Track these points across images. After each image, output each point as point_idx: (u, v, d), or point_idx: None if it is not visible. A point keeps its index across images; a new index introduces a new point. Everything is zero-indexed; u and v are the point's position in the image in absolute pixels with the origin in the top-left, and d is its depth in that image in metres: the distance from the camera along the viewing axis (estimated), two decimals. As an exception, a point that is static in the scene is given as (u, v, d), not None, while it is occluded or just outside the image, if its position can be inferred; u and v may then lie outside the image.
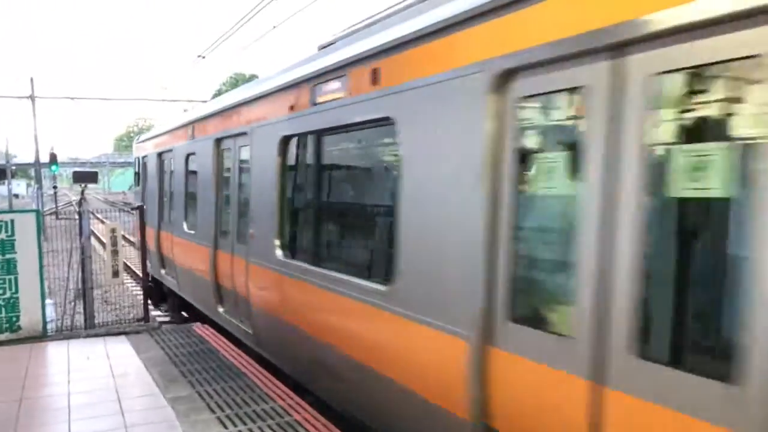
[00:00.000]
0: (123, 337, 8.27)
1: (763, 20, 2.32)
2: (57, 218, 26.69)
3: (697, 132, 2.71)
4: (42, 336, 8.00)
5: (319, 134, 6.14)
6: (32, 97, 34.88)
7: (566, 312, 3.18)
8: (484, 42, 3.65)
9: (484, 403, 3.65)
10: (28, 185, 73.81)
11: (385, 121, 4.68)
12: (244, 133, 7.46)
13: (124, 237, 9.54)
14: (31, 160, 37.76)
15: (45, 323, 8.09)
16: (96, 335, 8.33)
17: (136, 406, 5.75)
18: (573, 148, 3.21)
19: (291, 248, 6.59)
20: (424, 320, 4.12)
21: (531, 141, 3.55)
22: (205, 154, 8.90)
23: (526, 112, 3.51)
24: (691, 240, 2.88)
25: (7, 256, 7.76)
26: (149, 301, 9.99)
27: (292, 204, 6.70)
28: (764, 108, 2.38)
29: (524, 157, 3.50)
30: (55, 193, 42.95)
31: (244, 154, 7.61)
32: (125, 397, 5.99)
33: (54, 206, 38.87)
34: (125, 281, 11.33)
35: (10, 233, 7.78)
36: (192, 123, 10.02)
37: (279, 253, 6.52)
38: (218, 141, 8.21)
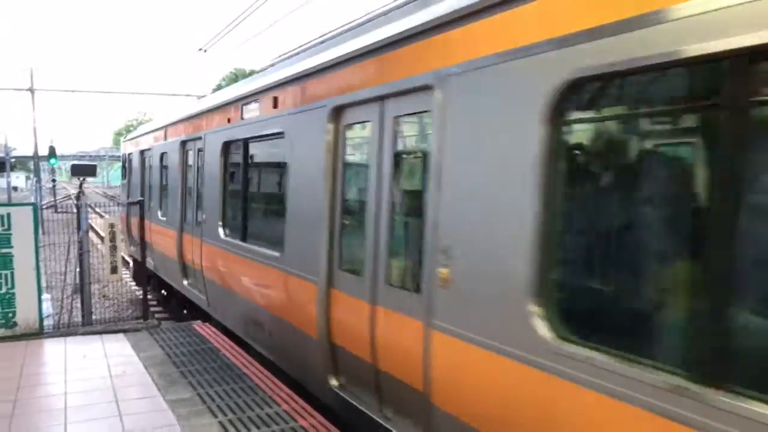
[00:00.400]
0: (121, 335, 8.05)
1: None
2: (55, 212, 26.53)
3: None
4: (38, 333, 7.78)
5: (246, 141, 7.85)
6: (31, 90, 34.64)
7: (362, 263, 5.06)
8: (328, 86, 5.61)
9: (328, 326, 5.53)
10: (27, 178, 73.55)
11: (280, 135, 6.60)
12: (200, 138, 8.91)
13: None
14: (30, 152, 37.52)
15: (41, 320, 7.87)
16: (93, 333, 8.11)
17: (135, 409, 5.54)
18: (368, 159, 5.10)
19: (230, 228, 8.33)
20: (299, 274, 6.02)
21: (350, 153, 5.49)
22: (174, 154, 10.69)
23: (348, 134, 5.45)
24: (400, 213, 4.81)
25: (3, 250, 7.54)
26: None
27: (229, 194, 8.45)
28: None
29: (348, 165, 5.49)
30: (54, 186, 42.74)
31: (200, 154, 9.38)
32: (124, 398, 5.77)
33: (53, 199, 38.67)
34: (123, 276, 11.12)
35: (6, 227, 7.55)
36: (166, 126, 11.87)
37: (221, 232, 8.34)
38: (183, 143, 9.80)
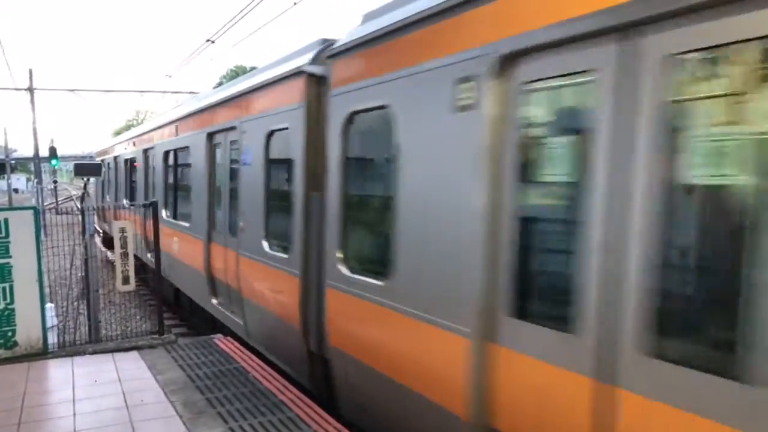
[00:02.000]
0: (135, 353, 7.16)
1: None
2: (57, 213, 25.62)
3: None
4: (42, 353, 6.89)
5: (176, 151, 11.05)
6: (31, 89, 33.69)
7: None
8: (204, 120, 8.30)
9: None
10: (28, 180, 72.64)
11: (186, 149, 8.83)
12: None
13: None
14: (31, 153, 36.62)
15: (45, 338, 6.98)
16: (104, 351, 7.22)
17: (158, 450, 4.66)
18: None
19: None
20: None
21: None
22: (140, 159, 13.58)
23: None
24: None
25: (1, 261, 6.64)
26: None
27: (168, 190, 11.47)
28: None
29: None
30: (55, 187, 41.84)
31: (154, 160, 12.11)
32: (143, 436, 4.89)
33: (54, 201, 37.80)
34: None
35: (3, 234, 6.65)
36: (133, 138, 15.48)
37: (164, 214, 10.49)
38: (145, 151, 12.33)
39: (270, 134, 6.89)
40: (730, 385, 2.42)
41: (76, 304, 11.07)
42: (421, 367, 4.27)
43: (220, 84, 56.03)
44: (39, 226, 7.00)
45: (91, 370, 6.50)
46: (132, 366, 6.66)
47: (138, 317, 14.48)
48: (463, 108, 3.77)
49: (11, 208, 8.04)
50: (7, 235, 6.65)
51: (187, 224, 10.53)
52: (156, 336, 7.74)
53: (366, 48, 5.03)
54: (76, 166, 15.05)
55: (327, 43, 6.02)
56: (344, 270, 5.40)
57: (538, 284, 3.59)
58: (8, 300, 6.68)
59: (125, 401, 5.62)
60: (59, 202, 38.82)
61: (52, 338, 7.48)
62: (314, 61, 5.97)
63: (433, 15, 4.07)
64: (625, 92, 2.85)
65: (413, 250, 4.34)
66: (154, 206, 7.92)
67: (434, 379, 4.13)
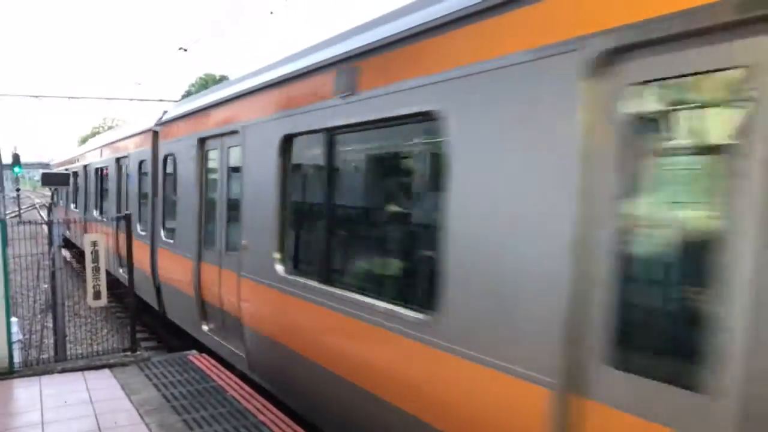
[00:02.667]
0: (107, 371, 6.90)
1: None
2: (20, 223, 24.85)
3: None
4: (8, 372, 6.59)
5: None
6: (-7, 94, 32.82)
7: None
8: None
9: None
10: (-11, 187, 70.50)
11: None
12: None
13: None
14: (-8, 160, 35.54)
15: (11, 357, 6.68)
16: (73, 369, 6.93)
17: (135, 477, 4.46)
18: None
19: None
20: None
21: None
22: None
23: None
24: None
25: (-35, 276, 6.35)
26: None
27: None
28: None
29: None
30: (18, 195, 40.73)
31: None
32: (119, 462, 4.68)
33: (17, 209, 36.75)
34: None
35: (-32, 248, 6.37)
36: (102, 146, 16.06)
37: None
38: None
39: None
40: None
41: (40, 317, 10.68)
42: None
43: (188, 93, 55.32)
44: (5, 240, 6.72)
45: (61, 390, 6.23)
46: (104, 385, 6.41)
47: (105, 331, 14.10)
48: None
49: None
50: (-28, 249, 6.36)
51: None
52: (128, 353, 7.48)
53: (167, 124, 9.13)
54: (44, 176, 14.61)
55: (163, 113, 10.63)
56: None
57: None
58: (-28, 317, 6.38)
59: (97, 424, 5.39)
60: (22, 211, 37.73)
61: (17, 356, 7.18)
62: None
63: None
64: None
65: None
66: (127, 219, 7.68)
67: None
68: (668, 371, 2.68)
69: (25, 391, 6.21)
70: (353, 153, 5.52)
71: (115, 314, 15.38)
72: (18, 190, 41.16)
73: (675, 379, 2.62)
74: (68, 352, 8.32)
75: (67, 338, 9.32)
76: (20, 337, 9.16)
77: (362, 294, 4.84)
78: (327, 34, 5.95)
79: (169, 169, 10.11)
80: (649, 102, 2.87)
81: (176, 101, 23.31)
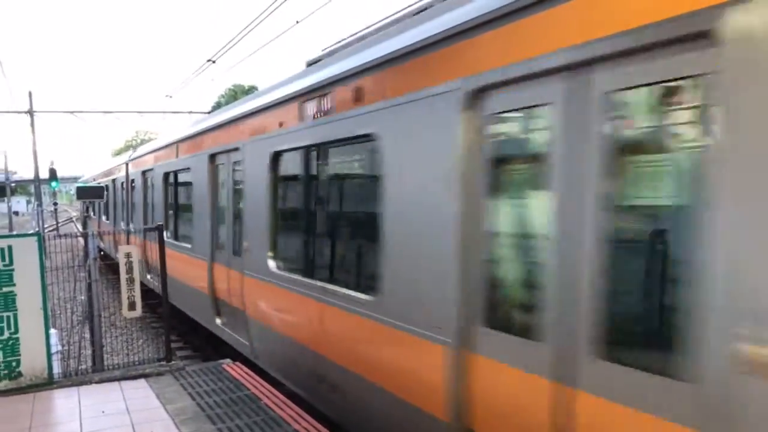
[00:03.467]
0: (142, 381, 6.97)
1: None
2: (57, 236, 25.47)
3: None
4: (47, 383, 6.69)
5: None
6: (30, 112, 33.68)
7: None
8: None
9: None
10: (28, 202, 72.49)
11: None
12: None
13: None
14: (31, 176, 36.51)
15: (51, 368, 6.79)
16: (110, 379, 7.02)
17: (172, 487, 4.47)
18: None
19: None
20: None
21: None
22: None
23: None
24: None
25: (5, 289, 6.46)
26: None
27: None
28: None
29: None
30: (56, 209, 41.72)
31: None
32: (156, 472, 4.70)
33: (54, 223, 37.65)
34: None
35: (7, 262, 6.49)
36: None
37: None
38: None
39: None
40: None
41: (77, 328, 10.86)
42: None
43: (218, 104, 56.04)
44: (43, 253, 6.85)
45: (98, 400, 6.31)
46: (140, 395, 6.48)
47: (141, 341, 14.32)
48: None
49: (15, 235, 7.90)
50: (11, 263, 6.49)
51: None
52: (163, 363, 7.55)
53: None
54: (79, 190, 14.96)
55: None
56: None
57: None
58: (12, 329, 6.50)
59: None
60: (59, 224, 38.66)
61: (56, 366, 7.30)
62: None
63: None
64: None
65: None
66: (160, 230, 7.77)
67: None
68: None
69: (64, 402, 6.30)
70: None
71: (150, 324, 15.61)
72: (55, 204, 42.18)
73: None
74: (105, 363, 8.44)
75: (104, 349, 9.47)
76: (59, 348, 9.32)
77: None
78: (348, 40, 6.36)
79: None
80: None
81: (207, 113, 23.70)
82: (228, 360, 7.89)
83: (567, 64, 3.22)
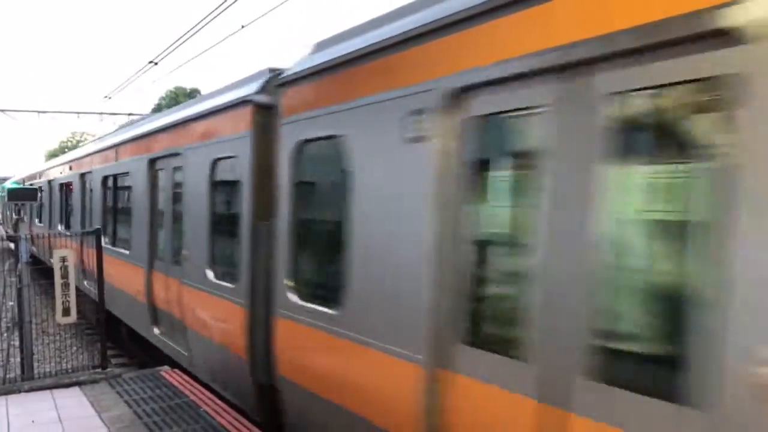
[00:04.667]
0: (76, 389, 6.78)
1: None
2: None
3: None
4: (-27, 392, 6.44)
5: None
6: (-43, 109, 32.07)
7: None
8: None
9: None
10: (-48, 203, 68.62)
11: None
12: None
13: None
14: (-44, 176, 34.69)
15: (-23, 376, 6.53)
16: (41, 388, 6.80)
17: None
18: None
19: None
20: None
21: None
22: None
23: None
24: None
25: (-72, 293, 6.20)
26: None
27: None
28: None
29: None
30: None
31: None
32: (89, 481, 4.60)
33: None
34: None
35: (-68, 265, 6.21)
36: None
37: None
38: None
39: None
40: None
41: (6, 335, 10.44)
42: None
43: (158, 107, 54.65)
44: (-29, 256, 6.58)
45: (28, 409, 6.11)
46: (74, 403, 6.30)
47: (74, 348, 13.82)
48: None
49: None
50: (-64, 266, 6.22)
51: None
52: (99, 370, 7.36)
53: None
54: (11, 192, 14.35)
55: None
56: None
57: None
58: (-64, 336, 6.22)
59: (67, 442, 5.30)
60: (-13, 227, 36.87)
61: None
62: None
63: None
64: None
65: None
66: (97, 234, 7.59)
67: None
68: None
69: (-9, 411, 6.07)
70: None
71: (84, 331, 15.10)
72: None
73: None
74: (36, 371, 8.15)
75: (35, 356, 9.13)
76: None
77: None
78: (293, 47, 6.17)
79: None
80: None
81: (146, 115, 23.11)
82: (166, 367, 7.76)
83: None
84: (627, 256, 2.97)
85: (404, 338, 3.85)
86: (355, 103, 4.45)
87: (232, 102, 6.30)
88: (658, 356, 2.89)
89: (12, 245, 13.76)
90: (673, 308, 2.74)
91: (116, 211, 11.93)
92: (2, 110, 33.21)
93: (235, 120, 6.29)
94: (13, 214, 25.19)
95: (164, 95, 63.27)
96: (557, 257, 3.00)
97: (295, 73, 5.29)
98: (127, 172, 10.41)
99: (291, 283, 5.25)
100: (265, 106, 5.81)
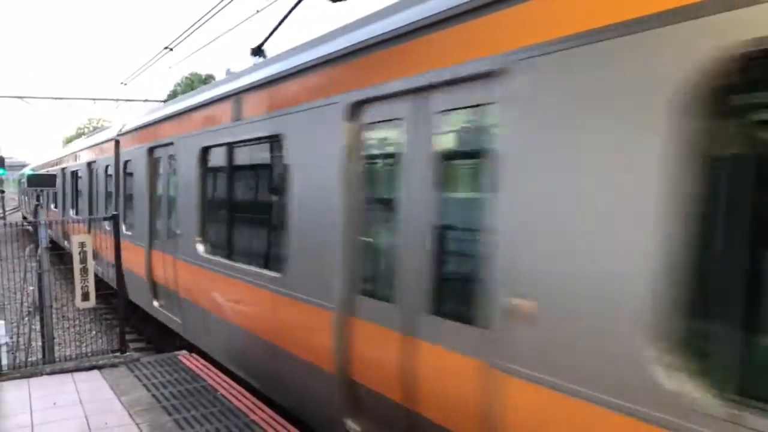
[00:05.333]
0: (96, 373, 6.87)
1: None
2: (4, 226, 24.54)
3: None
4: (-4, 375, 6.55)
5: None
6: (-24, 95, 32.41)
7: None
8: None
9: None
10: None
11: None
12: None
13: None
14: (-24, 162, 35.06)
15: (-1, 360, 6.64)
16: (62, 371, 6.90)
17: (127, 477, 4.45)
18: None
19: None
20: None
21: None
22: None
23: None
24: None
25: (-49, 278, 6.29)
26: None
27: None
28: None
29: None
30: (2, 197, 40.29)
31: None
32: (110, 462, 4.67)
33: (1, 212, 36.42)
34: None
35: (-46, 250, 6.30)
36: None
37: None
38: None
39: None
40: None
41: (27, 320, 10.58)
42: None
43: (174, 93, 54.81)
44: (-8, 241, 6.66)
45: (50, 392, 6.21)
46: (93, 386, 6.39)
47: (93, 333, 14.00)
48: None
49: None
50: (-42, 251, 6.31)
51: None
52: (117, 354, 7.45)
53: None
54: (30, 178, 14.55)
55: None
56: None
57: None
58: (-41, 319, 6.32)
59: (88, 424, 5.37)
60: (7, 213, 37.38)
61: (5, 358, 7.12)
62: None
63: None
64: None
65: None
66: (115, 219, 7.64)
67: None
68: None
69: (13, 394, 6.17)
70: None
71: (102, 316, 15.29)
72: (2, 192, 40.72)
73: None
74: (56, 354, 8.28)
75: (55, 340, 9.26)
76: (7, 340, 9.07)
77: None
78: (312, 33, 6.51)
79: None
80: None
81: (162, 101, 23.25)
82: (184, 351, 7.84)
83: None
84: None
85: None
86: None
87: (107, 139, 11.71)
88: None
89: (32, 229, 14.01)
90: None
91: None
92: (20, 97, 33.47)
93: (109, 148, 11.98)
94: (32, 200, 25.50)
95: (180, 81, 63.40)
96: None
97: (119, 132, 10.87)
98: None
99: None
100: (117, 141, 11.87)
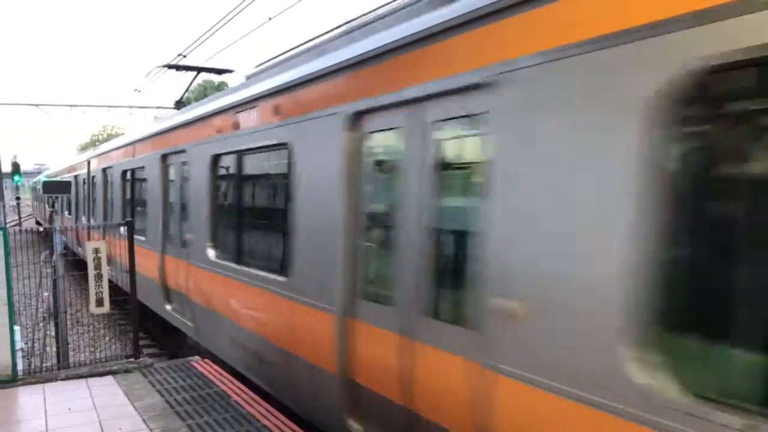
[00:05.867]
0: (110, 379, 6.90)
1: None
2: (20, 232, 24.77)
3: None
4: (11, 380, 6.59)
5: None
6: (-7, 103, 32.85)
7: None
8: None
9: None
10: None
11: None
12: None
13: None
14: (-8, 169, 35.50)
15: (15, 365, 6.68)
16: (77, 376, 6.93)
17: (140, 483, 4.46)
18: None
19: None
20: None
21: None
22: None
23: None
24: None
25: (-32, 284, 6.35)
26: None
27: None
28: None
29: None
30: (18, 204, 40.72)
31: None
32: (124, 468, 4.68)
33: (17, 218, 36.80)
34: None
35: (-29, 256, 6.37)
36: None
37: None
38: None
39: None
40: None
41: (41, 325, 10.68)
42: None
43: (187, 99, 55.16)
44: (8, 248, 6.73)
45: (65, 397, 6.24)
46: (108, 392, 6.42)
47: (107, 338, 14.10)
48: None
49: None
50: (-25, 257, 6.37)
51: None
52: (131, 359, 7.48)
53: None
54: (46, 184, 14.75)
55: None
56: None
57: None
58: (-25, 325, 6.39)
59: (102, 430, 5.40)
60: (22, 219, 37.76)
61: (19, 363, 7.18)
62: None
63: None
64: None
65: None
66: (129, 225, 7.69)
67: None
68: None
69: (29, 399, 6.22)
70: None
71: (116, 322, 15.40)
72: (18, 198, 41.16)
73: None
74: (71, 360, 8.34)
75: (70, 346, 9.34)
76: (22, 345, 9.16)
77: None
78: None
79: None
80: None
81: (173, 107, 23.41)
82: (197, 357, 7.86)
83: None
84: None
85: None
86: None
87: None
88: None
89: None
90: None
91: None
92: (36, 104, 33.88)
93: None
94: (47, 206, 25.80)
95: (193, 88, 63.80)
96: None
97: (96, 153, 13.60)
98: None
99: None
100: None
